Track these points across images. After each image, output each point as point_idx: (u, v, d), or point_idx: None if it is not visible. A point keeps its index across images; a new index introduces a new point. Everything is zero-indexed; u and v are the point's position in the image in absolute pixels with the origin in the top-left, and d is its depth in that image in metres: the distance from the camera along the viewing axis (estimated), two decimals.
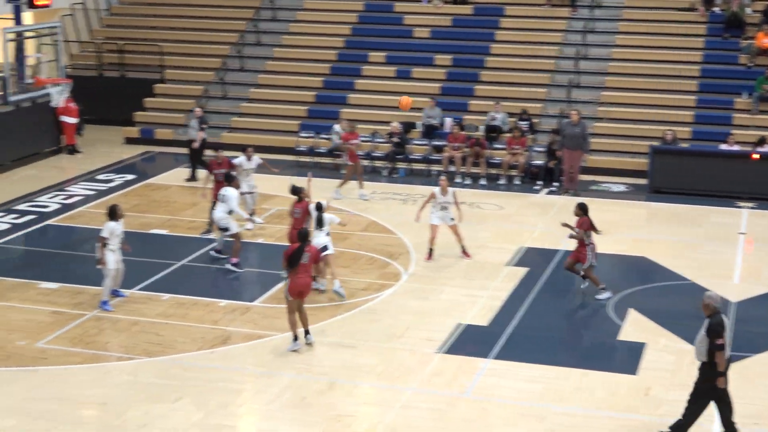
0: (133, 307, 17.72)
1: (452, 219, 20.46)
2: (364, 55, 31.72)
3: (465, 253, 20.55)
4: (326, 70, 31.48)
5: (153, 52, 32.50)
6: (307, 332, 16.19)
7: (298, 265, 15.77)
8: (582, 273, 18.70)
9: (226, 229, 19.80)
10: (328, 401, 14.45)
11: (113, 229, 17.55)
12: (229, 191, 19.80)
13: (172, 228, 22.31)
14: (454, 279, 19.35)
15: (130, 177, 26.63)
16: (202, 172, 24.42)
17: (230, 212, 19.76)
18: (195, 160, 26.35)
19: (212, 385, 14.91)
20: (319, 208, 18.38)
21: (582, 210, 18.79)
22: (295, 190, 19.31)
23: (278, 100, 30.92)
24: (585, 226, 18.59)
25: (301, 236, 16.13)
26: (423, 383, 15.07)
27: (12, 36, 27.92)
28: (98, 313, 17.43)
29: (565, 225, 18.86)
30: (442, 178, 21.06)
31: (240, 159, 22.47)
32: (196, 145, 26.20)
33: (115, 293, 17.93)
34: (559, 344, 16.70)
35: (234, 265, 19.65)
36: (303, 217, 18.85)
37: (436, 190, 20.47)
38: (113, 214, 17.67)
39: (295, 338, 15.99)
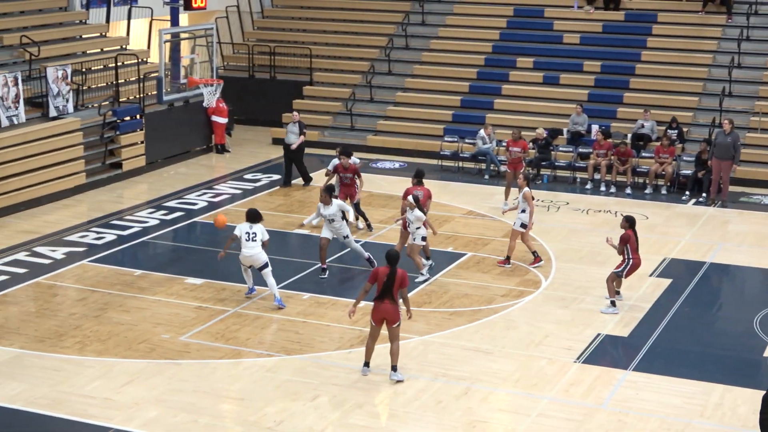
0: (273, 305, 17.99)
1: (522, 225, 20.00)
2: (512, 61, 31.56)
3: (505, 261, 20.23)
4: (473, 75, 31.44)
5: (303, 55, 32.97)
6: (393, 368, 15.18)
7: (385, 289, 14.90)
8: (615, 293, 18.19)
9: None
10: (464, 406, 14.42)
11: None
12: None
13: (314, 229, 22.56)
14: (594, 288, 19.07)
15: (275, 177, 27.04)
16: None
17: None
18: (291, 164, 26.23)
19: (349, 384, 15.04)
20: (417, 199, 19.02)
21: (628, 223, 18.03)
22: (419, 174, 19.88)
23: (424, 104, 31.02)
24: (624, 241, 17.87)
25: (392, 259, 15.01)
26: (560, 392, 14.91)
27: (168, 37, 28.66)
28: (240, 310, 17.77)
29: (610, 243, 18.33)
30: (520, 175, 21.02)
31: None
32: (294, 147, 26.04)
33: (251, 290, 18.38)
34: (702, 358, 16.29)
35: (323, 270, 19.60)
36: (425, 201, 19.50)
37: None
38: (259, 216, 18.11)
39: (366, 364, 15.37)
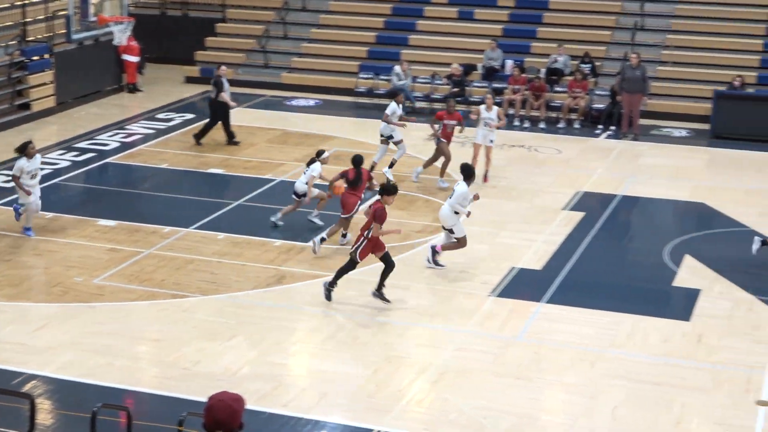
0: (188, 246, 17.89)
1: (492, 141, 21.49)
2: None
3: (486, 178, 21.34)
4: (387, 11, 31.28)
5: None
6: None
7: None
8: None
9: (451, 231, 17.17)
10: (382, 341, 14.51)
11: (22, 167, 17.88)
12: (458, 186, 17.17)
13: (229, 168, 22.42)
14: (510, 222, 19.27)
15: (189, 116, 26.74)
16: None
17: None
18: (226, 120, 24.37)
19: (266, 323, 15.04)
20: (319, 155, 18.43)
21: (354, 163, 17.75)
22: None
23: (339, 41, 30.81)
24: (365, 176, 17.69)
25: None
26: (476, 326, 15.08)
27: None
28: (154, 251, 17.62)
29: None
30: (488, 95, 21.81)
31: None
32: (233, 104, 24.49)
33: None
34: (613, 289, 16.57)
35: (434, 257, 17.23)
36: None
37: (482, 107, 21.56)
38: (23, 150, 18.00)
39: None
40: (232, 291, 16.13)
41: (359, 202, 17.87)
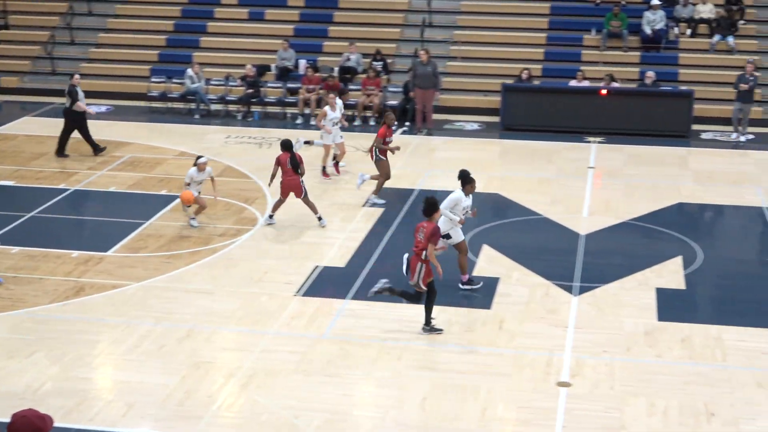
0: None
1: (341, 137, 21.99)
2: None
3: (336, 168, 22.04)
4: (177, 13, 30.94)
5: None
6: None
7: None
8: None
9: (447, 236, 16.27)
10: (188, 348, 14.33)
11: None
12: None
13: (20, 179, 21.72)
14: (311, 222, 19.34)
15: None
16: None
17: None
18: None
19: (67, 337, 14.63)
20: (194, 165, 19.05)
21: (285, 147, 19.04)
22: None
23: (128, 45, 30.27)
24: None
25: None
26: (282, 326, 15.07)
27: None
28: None
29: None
30: (331, 95, 22.10)
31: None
32: (92, 111, 23.89)
33: None
34: None
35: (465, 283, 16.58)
36: None
37: (326, 108, 21.79)
38: None
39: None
40: (30, 306, 15.63)
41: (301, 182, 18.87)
